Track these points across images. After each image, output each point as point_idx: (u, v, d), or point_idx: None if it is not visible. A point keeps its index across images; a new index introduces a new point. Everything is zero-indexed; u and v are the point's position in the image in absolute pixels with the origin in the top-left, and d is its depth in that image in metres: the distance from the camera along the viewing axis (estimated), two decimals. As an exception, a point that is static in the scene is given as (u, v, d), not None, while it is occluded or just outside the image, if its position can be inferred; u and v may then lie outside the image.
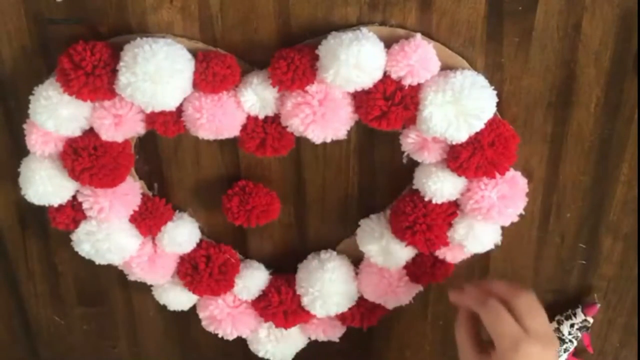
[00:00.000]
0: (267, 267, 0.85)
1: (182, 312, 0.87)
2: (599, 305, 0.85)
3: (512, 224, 0.76)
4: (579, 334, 0.86)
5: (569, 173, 0.77)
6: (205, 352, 0.95)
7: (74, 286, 0.91)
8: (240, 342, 0.89)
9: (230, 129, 0.72)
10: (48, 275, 0.90)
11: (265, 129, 0.72)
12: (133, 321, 0.94)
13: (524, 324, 0.66)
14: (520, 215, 0.76)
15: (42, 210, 0.79)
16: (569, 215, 0.80)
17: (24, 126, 0.74)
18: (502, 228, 0.77)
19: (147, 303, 0.89)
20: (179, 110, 0.71)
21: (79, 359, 0.98)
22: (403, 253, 0.78)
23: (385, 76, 0.69)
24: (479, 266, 0.85)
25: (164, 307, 0.87)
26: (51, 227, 0.80)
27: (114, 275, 0.88)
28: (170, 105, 0.69)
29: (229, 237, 0.84)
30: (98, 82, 0.68)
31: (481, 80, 0.69)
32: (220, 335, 0.87)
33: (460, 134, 0.69)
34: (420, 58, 0.67)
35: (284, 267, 0.85)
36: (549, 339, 0.67)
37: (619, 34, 0.69)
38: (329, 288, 0.81)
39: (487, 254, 0.81)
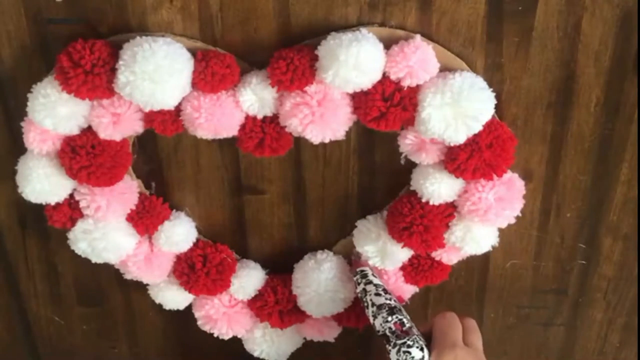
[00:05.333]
0: (267, 266, 0.85)
1: (182, 312, 0.87)
2: None
3: (512, 224, 0.76)
4: None
5: (569, 173, 0.77)
6: (205, 352, 0.95)
7: (73, 286, 0.91)
8: (241, 342, 0.89)
9: (229, 128, 0.72)
10: (48, 275, 0.90)
11: (264, 129, 0.72)
12: (133, 321, 0.94)
13: (466, 338, 0.73)
14: (520, 216, 0.76)
15: (42, 210, 0.79)
16: (569, 215, 0.80)
17: (22, 124, 0.75)
18: (502, 228, 0.77)
19: (146, 303, 0.89)
20: (178, 109, 0.71)
21: (79, 359, 0.98)
22: (400, 254, 0.78)
23: (384, 77, 0.69)
24: (479, 266, 0.85)
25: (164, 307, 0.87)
26: (51, 227, 0.80)
27: (114, 275, 0.88)
28: (169, 104, 0.69)
29: (229, 236, 0.84)
30: (97, 81, 0.68)
31: (480, 82, 0.69)
32: (215, 335, 0.87)
33: (458, 136, 0.69)
34: (419, 59, 0.67)
35: (284, 267, 0.85)
36: (480, 358, 0.73)
37: (619, 34, 0.69)
38: (325, 288, 0.81)
39: (487, 254, 0.81)
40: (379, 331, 0.72)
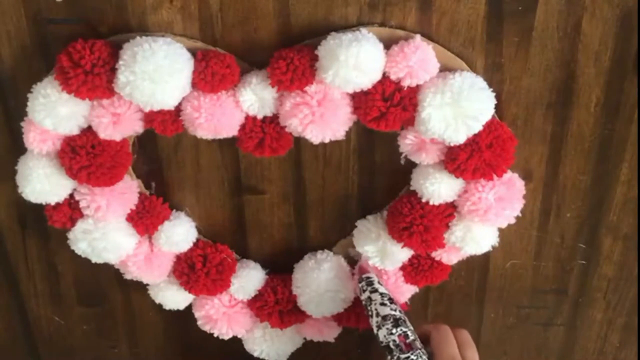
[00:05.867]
0: (267, 266, 0.85)
1: (182, 312, 0.87)
2: None
3: (512, 224, 0.76)
4: None
5: (569, 173, 0.77)
6: (205, 352, 0.95)
7: (74, 286, 0.91)
8: (241, 342, 0.89)
9: (229, 128, 0.72)
10: (48, 275, 0.90)
11: (264, 129, 0.72)
12: (133, 321, 0.94)
13: (462, 352, 0.74)
14: (520, 216, 0.76)
15: (42, 210, 0.79)
16: (569, 215, 0.80)
17: (22, 124, 0.74)
18: (502, 228, 0.77)
19: (146, 303, 0.89)
20: (178, 109, 0.71)
21: (79, 359, 0.98)
22: (400, 254, 0.78)
23: (384, 77, 0.68)
24: (479, 266, 0.85)
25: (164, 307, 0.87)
26: (51, 227, 0.80)
27: (114, 275, 0.88)
28: (169, 104, 0.69)
29: (229, 236, 0.84)
30: (97, 81, 0.68)
31: (480, 82, 0.69)
32: (215, 335, 0.87)
33: (458, 136, 0.69)
34: (419, 59, 0.67)
35: (284, 267, 0.84)
36: None
37: (619, 34, 0.69)
38: (325, 288, 0.81)
39: (487, 254, 0.81)
40: (382, 342, 0.72)
